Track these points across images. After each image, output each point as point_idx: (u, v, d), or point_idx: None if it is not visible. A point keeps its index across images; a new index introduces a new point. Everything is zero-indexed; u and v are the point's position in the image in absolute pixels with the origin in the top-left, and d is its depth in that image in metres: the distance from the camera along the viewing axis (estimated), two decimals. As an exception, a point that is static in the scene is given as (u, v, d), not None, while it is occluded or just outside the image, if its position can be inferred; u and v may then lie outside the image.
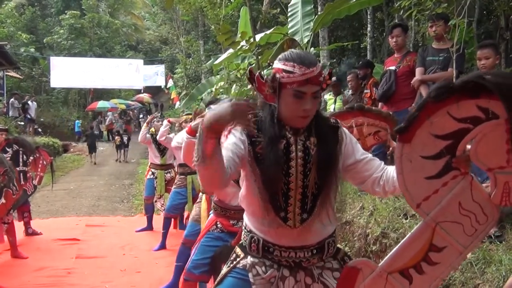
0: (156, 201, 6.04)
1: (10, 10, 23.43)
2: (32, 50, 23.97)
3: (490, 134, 1.36)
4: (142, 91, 28.05)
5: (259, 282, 1.64)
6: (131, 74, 24.42)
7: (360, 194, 4.39)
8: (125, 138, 16.61)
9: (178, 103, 18.33)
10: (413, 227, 1.54)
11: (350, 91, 6.01)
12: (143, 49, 32.34)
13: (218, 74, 10.44)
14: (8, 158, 4.59)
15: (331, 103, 6.36)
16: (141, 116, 26.85)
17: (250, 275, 1.65)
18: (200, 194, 3.42)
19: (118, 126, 21.47)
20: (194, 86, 14.21)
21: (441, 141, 1.40)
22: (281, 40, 6.92)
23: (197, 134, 1.37)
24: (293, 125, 1.61)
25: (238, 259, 1.71)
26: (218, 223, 2.77)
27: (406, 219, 3.63)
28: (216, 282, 1.75)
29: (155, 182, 5.97)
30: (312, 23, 6.71)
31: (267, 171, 1.55)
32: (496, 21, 6.61)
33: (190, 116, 4.59)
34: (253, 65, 7.49)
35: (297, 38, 6.76)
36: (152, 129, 6.00)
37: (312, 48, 7.19)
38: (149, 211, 6.15)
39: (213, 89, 9.88)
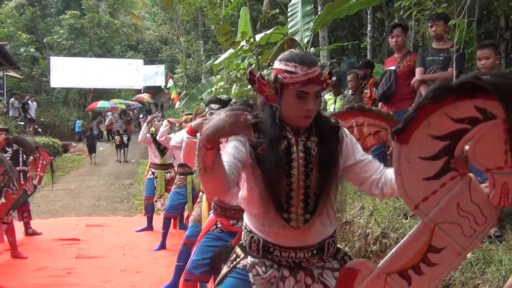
0: (156, 201, 6.03)
1: (10, 10, 23.45)
2: (32, 50, 24.00)
3: (488, 135, 1.36)
4: (142, 91, 28.07)
5: (259, 282, 1.64)
6: (131, 74, 24.43)
7: (360, 194, 4.39)
8: (125, 138, 16.61)
9: (178, 103, 18.34)
10: (413, 227, 1.54)
11: (350, 91, 6.01)
12: (143, 49, 32.34)
13: (218, 74, 10.43)
14: (8, 158, 4.59)
15: (331, 103, 6.36)
16: (141, 116, 26.86)
17: (250, 275, 1.65)
18: (201, 194, 3.42)
19: (118, 126, 21.49)
20: (194, 86, 14.22)
21: (439, 142, 1.40)
22: (281, 40, 6.91)
23: (196, 146, 1.36)
24: (296, 125, 1.61)
25: (238, 259, 1.71)
26: (218, 223, 2.77)
27: (406, 219, 3.63)
28: (216, 282, 1.76)
29: (155, 182, 5.97)
30: (312, 23, 6.70)
31: (268, 172, 1.55)
32: (496, 21, 6.61)
33: (190, 116, 4.59)
34: (253, 65, 7.49)
35: (297, 38, 6.76)
36: (152, 129, 6.00)
37: (312, 48, 7.19)
38: (149, 211, 6.16)
39: (213, 89, 9.87)
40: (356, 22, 11.40)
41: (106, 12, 27.84)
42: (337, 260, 1.72)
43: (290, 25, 7.07)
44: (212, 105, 2.98)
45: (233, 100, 3.39)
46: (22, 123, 16.97)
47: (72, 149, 17.69)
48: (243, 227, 1.75)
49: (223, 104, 2.92)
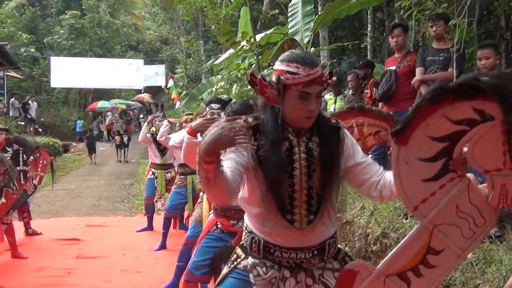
0: (156, 201, 6.04)
1: (10, 10, 23.44)
2: (33, 50, 23.99)
3: (486, 136, 1.36)
4: (142, 91, 28.04)
5: (259, 283, 1.64)
6: (131, 74, 24.42)
7: (360, 194, 4.39)
8: (125, 138, 16.61)
9: (178, 103, 18.35)
10: (413, 227, 1.53)
11: (351, 91, 6.01)
12: (144, 49, 32.33)
13: (218, 74, 10.42)
14: (9, 158, 4.59)
15: (331, 103, 6.36)
16: (141, 116, 26.83)
17: (251, 275, 1.66)
18: (201, 194, 3.42)
19: (118, 126, 21.47)
20: (195, 86, 14.21)
21: (438, 143, 1.40)
22: (281, 40, 6.91)
23: (196, 161, 1.38)
24: (297, 126, 1.61)
25: (238, 260, 1.71)
26: (218, 223, 2.77)
27: (407, 219, 3.63)
28: (216, 283, 1.76)
29: (155, 182, 5.97)
30: (312, 23, 6.70)
31: (270, 174, 1.55)
32: (497, 21, 6.60)
33: (191, 116, 4.59)
34: (254, 65, 7.49)
35: (297, 38, 6.76)
36: (153, 129, 6.00)
37: (313, 48, 7.19)
38: (150, 211, 6.16)
39: (214, 89, 9.87)
40: (356, 22, 11.39)
41: (106, 12, 27.82)
42: (338, 261, 1.72)
43: (290, 25, 7.07)
44: (213, 105, 2.98)
45: (233, 100, 3.39)
46: (23, 123, 16.98)
47: (72, 149, 17.70)
48: (244, 228, 1.75)
49: (224, 104, 2.92)
